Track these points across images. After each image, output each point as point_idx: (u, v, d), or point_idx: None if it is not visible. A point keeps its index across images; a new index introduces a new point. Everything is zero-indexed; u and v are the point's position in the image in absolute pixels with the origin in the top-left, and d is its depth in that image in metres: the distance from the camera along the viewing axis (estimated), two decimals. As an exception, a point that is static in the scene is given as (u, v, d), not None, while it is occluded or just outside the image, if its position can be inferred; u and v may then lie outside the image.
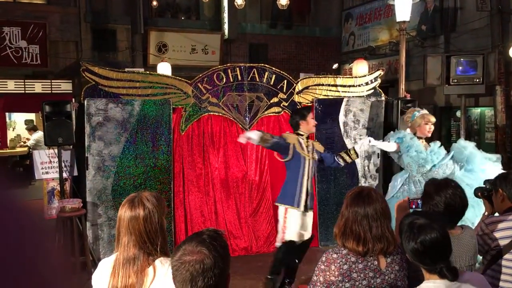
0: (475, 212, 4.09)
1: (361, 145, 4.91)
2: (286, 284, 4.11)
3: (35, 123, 12.12)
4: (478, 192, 3.07)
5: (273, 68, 6.26)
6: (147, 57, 11.81)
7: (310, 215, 4.65)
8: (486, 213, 3.02)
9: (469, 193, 3.87)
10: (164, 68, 9.20)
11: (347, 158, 4.83)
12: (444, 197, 2.40)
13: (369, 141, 4.88)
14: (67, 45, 11.36)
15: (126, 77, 5.62)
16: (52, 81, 11.34)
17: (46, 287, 0.55)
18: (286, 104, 6.22)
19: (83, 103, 5.31)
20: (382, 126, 6.42)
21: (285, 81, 6.22)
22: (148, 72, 6.17)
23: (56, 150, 5.31)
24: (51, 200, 6.07)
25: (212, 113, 5.93)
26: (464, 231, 2.46)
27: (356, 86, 6.54)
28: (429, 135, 4.87)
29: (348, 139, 6.34)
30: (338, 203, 6.06)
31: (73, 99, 5.83)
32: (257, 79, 6.10)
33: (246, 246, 6.00)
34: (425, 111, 4.98)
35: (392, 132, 5.20)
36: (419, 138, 4.86)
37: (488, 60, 8.24)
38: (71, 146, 5.51)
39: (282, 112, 6.22)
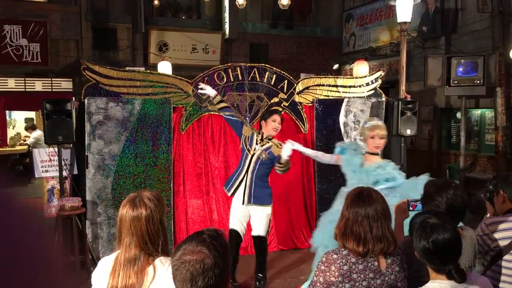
0: None
1: (285, 149, 4.50)
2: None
3: (35, 122, 12.12)
4: (481, 193, 3.06)
5: (274, 68, 6.26)
6: (148, 56, 11.80)
7: (256, 211, 4.77)
8: (488, 215, 3.02)
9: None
10: (164, 67, 9.20)
11: (280, 169, 4.68)
12: (446, 197, 2.40)
13: (292, 145, 4.52)
14: (67, 44, 11.36)
15: (126, 76, 5.62)
16: (53, 79, 11.33)
17: (44, 286, 0.55)
18: (287, 104, 6.22)
19: (83, 101, 5.30)
20: (382, 127, 6.41)
21: (286, 81, 6.22)
22: (148, 71, 6.17)
23: (56, 149, 5.31)
24: (50, 199, 6.07)
25: (212, 113, 5.92)
26: (465, 232, 2.46)
27: (357, 86, 6.54)
28: (376, 151, 4.03)
29: (349, 139, 6.34)
30: (337, 203, 6.05)
31: (73, 98, 5.82)
32: (258, 79, 6.09)
33: (245, 245, 5.99)
34: (375, 122, 4.14)
35: (340, 142, 4.66)
36: (371, 153, 4.04)
37: (489, 61, 8.24)
38: (71, 145, 5.50)
39: (282, 112, 6.21)
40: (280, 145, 4.67)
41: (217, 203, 5.97)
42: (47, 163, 5.53)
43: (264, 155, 4.69)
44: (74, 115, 5.21)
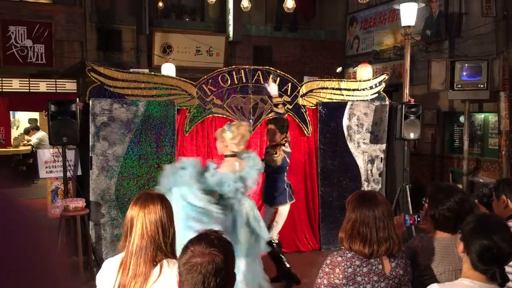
0: None
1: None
2: None
3: (38, 122, 12.15)
4: (476, 198, 3.05)
5: (278, 71, 6.28)
6: (152, 57, 11.83)
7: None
8: None
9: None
10: (168, 69, 9.21)
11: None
12: (454, 202, 2.41)
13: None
14: (72, 45, 11.39)
15: (131, 78, 5.64)
16: (57, 80, 11.37)
17: (44, 286, 0.55)
18: (290, 107, 6.23)
19: (88, 102, 5.32)
20: (385, 130, 6.42)
21: (290, 84, 6.23)
22: (153, 73, 6.20)
23: (60, 149, 5.32)
24: (54, 199, 6.08)
25: (216, 115, 5.94)
26: None
27: (360, 90, 6.55)
28: None
29: (352, 142, 6.35)
30: (340, 206, 6.05)
31: (78, 99, 5.85)
32: (262, 82, 6.11)
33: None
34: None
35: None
36: None
37: (493, 65, 8.23)
38: (76, 146, 5.52)
39: (286, 115, 6.22)
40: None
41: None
42: (51, 164, 5.54)
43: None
44: (78, 116, 5.23)
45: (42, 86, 11.30)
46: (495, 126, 8.77)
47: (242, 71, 6.07)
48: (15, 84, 11.12)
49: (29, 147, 11.31)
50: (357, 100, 6.45)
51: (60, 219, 5.09)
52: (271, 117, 5.40)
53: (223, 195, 3.76)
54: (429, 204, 2.52)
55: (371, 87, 6.59)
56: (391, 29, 11.47)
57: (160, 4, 11.74)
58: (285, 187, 4.97)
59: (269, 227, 4.77)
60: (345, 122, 6.33)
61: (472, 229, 1.94)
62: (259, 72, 6.12)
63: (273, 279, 4.68)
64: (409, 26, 6.72)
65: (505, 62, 8.15)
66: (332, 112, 6.31)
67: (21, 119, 13.27)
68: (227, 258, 1.54)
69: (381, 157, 6.47)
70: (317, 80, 6.50)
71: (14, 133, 12.52)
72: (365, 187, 6.39)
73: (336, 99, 6.41)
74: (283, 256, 5.04)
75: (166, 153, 5.60)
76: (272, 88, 5.14)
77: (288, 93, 6.22)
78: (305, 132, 6.27)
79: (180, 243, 1.80)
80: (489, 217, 2.04)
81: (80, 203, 5.06)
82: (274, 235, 4.91)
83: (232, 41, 12.69)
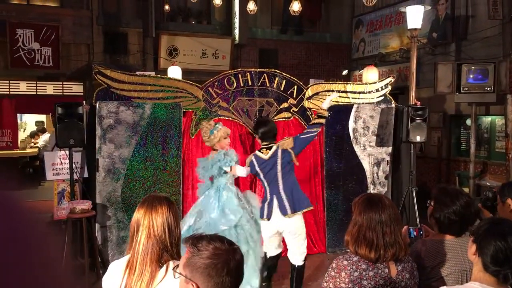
0: None
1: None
2: None
3: (45, 125, 12.23)
4: (480, 202, 3.02)
5: (284, 74, 6.28)
6: (158, 60, 11.87)
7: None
8: None
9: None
10: (174, 72, 9.23)
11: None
12: (460, 205, 2.40)
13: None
14: (79, 48, 11.46)
15: (137, 81, 5.66)
16: (64, 83, 11.43)
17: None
18: (296, 110, 6.23)
19: (94, 105, 5.35)
20: (391, 133, 6.40)
21: (295, 86, 6.24)
22: (159, 75, 6.22)
23: (67, 152, 5.35)
24: (60, 201, 6.11)
25: (222, 118, 5.94)
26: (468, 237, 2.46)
27: (366, 92, 6.53)
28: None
29: (358, 145, 6.33)
30: (346, 209, 6.04)
31: (84, 101, 5.87)
32: (268, 84, 6.11)
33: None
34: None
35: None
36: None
37: (500, 68, 8.20)
38: (82, 148, 5.55)
39: (292, 118, 6.23)
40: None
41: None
42: (58, 166, 5.57)
43: None
44: (85, 118, 5.25)
45: (49, 88, 11.37)
46: (502, 129, 8.74)
47: (248, 73, 6.08)
48: (22, 87, 11.20)
49: (36, 150, 11.37)
50: (363, 103, 6.44)
51: (66, 221, 5.11)
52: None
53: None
54: (435, 207, 2.52)
55: (377, 90, 6.57)
56: (397, 32, 11.45)
57: (167, 7, 11.79)
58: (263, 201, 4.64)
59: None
60: (351, 125, 6.32)
61: (487, 231, 1.95)
62: (265, 74, 6.13)
63: None
64: (415, 29, 6.70)
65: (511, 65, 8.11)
66: (338, 115, 6.30)
67: (28, 121, 13.35)
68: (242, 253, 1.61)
69: (387, 160, 6.45)
70: (323, 83, 6.50)
71: (21, 135, 12.59)
72: (371, 190, 6.37)
73: (342, 102, 6.40)
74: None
75: (172, 156, 5.61)
76: (325, 103, 4.98)
77: (294, 96, 6.22)
78: (311, 135, 6.26)
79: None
80: (503, 220, 2.05)
81: (87, 205, 5.08)
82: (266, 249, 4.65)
83: (238, 44, 12.72)
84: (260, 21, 13.32)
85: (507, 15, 8.23)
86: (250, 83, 6.06)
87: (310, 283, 5.02)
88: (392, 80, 6.71)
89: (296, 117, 6.21)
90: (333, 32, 14.01)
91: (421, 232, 2.60)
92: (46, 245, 0.58)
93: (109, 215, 5.37)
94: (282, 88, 6.17)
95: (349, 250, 2.24)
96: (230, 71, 6.50)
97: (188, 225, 4.45)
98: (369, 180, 6.44)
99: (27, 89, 11.22)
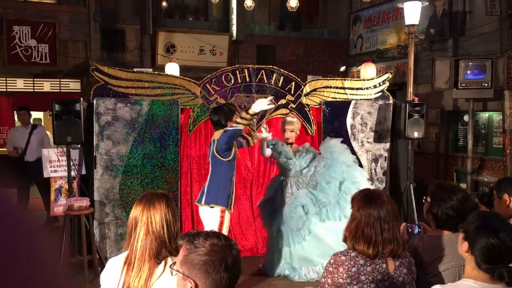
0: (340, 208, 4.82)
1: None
2: None
3: (42, 122, 12.18)
4: (476, 197, 3.04)
5: (281, 70, 6.27)
6: (156, 57, 11.85)
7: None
8: None
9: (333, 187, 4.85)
10: (172, 69, 9.22)
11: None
12: (456, 200, 2.41)
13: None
14: (76, 45, 11.42)
15: (135, 77, 5.65)
16: (61, 80, 11.41)
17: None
18: (294, 106, 6.22)
19: (92, 102, 5.34)
20: (389, 129, 6.41)
21: (293, 83, 6.23)
22: (157, 72, 6.21)
23: (64, 149, 5.34)
24: (57, 198, 6.10)
25: (220, 114, 5.93)
26: None
27: (364, 89, 6.53)
28: (289, 141, 5.15)
29: (356, 141, 6.34)
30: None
31: (82, 98, 5.86)
32: (265, 81, 6.11)
33: (252, 247, 6.01)
34: (289, 119, 5.25)
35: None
36: (289, 144, 5.13)
37: (497, 64, 8.21)
38: (80, 145, 5.54)
39: (289, 114, 6.23)
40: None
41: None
42: (56, 163, 5.56)
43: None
44: (82, 115, 5.24)
45: (46, 85, 11.34)
46: (500, 125, 8.75)
47: (246, 70, 6.07)
48: (20, 84, 11.16)
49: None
50: (361, 99, 6.44)
51: (64, 218, 5.11)
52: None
53: None
54: (432, 202, 2.52)
55: (375, 86, 6.57)
56: (394, 28, 11.44)
57: (164, 3, 11.75)
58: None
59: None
60: (348, 121, 6.32)
61: (477, 228, 1.91)
62: (263, 71, 6.12)
63: None
64: (413, 25, 6.71)
65: (509, 61, 8.12)
66: (336, 111, 6.30)
67: (25, 118, 13.28)
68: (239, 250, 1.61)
69: (385, 156, 6.45)
70: (320, 79, 6.49)
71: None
72: (369, 186, 6.37)
73: (339, 98, 6.40)
74: None
75: (170, 152, 5.61)
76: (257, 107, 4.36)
77: (292, 92, 6.22)
78: (309, 131, 6.27)
79: None
80: (492, 215, 2.02)
81: (85, 202, 5.07)
82: None
83: (236, 40, 12.70)
84: (258, 18, 13.30)
85: (505, 11, 8.23)
86: (247, 79, 6.05)
87: (308, 280, 5.02)
88: (390, 76, 6.71)
89: (294, 113, 6.20)
90: (330, 28, 13.99)
91: (419, 230, 2.61)
92: (43, 243, 0.57)
93: (107, 212, 5.37)
94: (280, 85, 6.16)
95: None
96: (227, 67, 6.49)
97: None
98: (367, 176, 6.44)
99: (24, 86, 11.19)
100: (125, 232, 4.52)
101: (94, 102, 5.30)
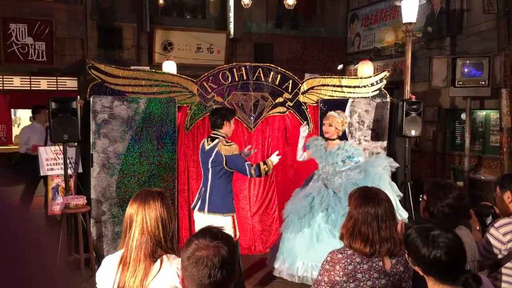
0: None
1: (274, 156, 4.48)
2: None
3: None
4: (473, 209, 3.02)
5: (279, 68, 6.27)
6: (153, 55, 11.81)
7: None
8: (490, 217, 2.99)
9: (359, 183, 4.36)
10: (169, 67, 9.20)
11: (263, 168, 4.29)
12: (453, 198, 2.41)
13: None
14: (73, 43, 11.38)
15: (132, 75, 5.64)
16: (58, 78, 11.37)
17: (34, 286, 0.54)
18: (291, 104, 6.22)
19: (88, 100, 5.32)
20: (387, 127, 6.41)
21: (290, 81, 6.23)
22: (154, 70, 6.19)
23: (61, 147, 5.33)
24: (55, 196, 6.09)
25: (217, 112, 5.92)
26: (462, 230, 2.46)
27: (361, 87, 6.54)
28: (326, 136, 4.90)
29: (353, 140, 6.34)
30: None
31: (78, 96, 5.85)
32: (263, 79, 6.10)
33: (249, 245, 6.01)
34: (330, 113, 5.02)
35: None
36: (328, 139, 4.89)
37: (494, 62, 8.21)
38: (76, 143, 5.52)
39: (287, 112, 6.23)
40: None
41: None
42: (52, 161, 5.55)
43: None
44: (79, 113, 5.23)
45: (43, 83, 11.30)
46: (497, 123, 8.76)
47: (243, 68, 6.06)
48: (16, 82, 11.12)
49: (30, 145, 11.29)
50: (358, 97, 6.44)
51: (61, 217, 5.10)
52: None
53: None
54: (428, 200, 2.52)
55: (372, 84, 6.58)
56: (392, 26, 11.44)
57: (161, 1, 11.71)
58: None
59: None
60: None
61: (416, 245, 1.77)
62: (260, 69, 6.11)
63: None
64: (410, 23, 6.70)
65: (506, 59, 8.13)
66: (333, 109, 6.24)
67: (22, 117, 13.26)
68: (231, 250, 1.54)
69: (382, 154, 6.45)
70: (318, 77, 6.49)
71: (15, 130, 12.51)
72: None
73: (337, 96, 6.41)
74: None
75: (167, 151, 5.60)
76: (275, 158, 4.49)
77: (289, 90, 6.21)
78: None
79: None
80: (426, 223, 1.84)
81: (81, 200, 5.06)
82: None
83: (233, 38, 12.67)
84: (255, 16, 13.27)
85: (502, 9, 8.24)
86: (245, 77, 6.05)
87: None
88: (387, 74, 6.71)
89: (292, 111, 6.20)
90: (328, 26, 13.98)
91: None
92: (40, 241, 0.57)
93: (104, 210, 5.35)
94: (277, 83, 6.16)
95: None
96: (225, 65, 6.49)
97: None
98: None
99: (21, 84, 11.14)
100: (122, 230, 4.53)
101: (91, 100, 5.28)
